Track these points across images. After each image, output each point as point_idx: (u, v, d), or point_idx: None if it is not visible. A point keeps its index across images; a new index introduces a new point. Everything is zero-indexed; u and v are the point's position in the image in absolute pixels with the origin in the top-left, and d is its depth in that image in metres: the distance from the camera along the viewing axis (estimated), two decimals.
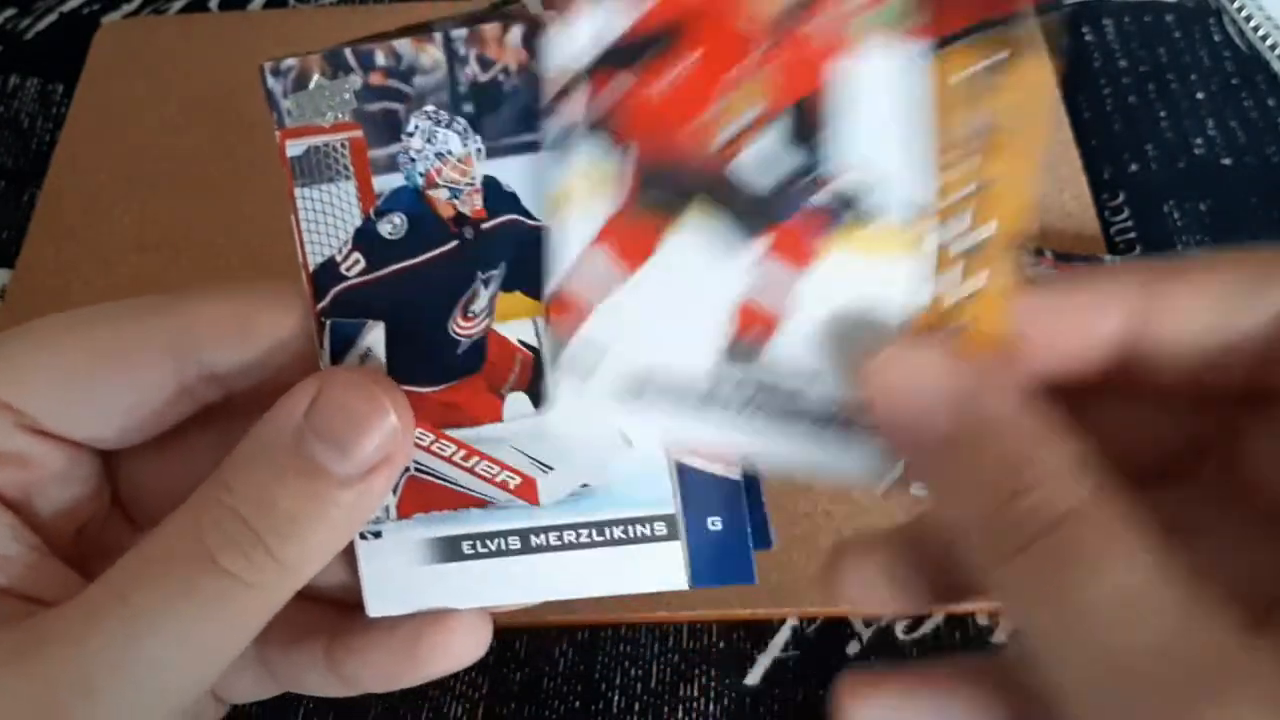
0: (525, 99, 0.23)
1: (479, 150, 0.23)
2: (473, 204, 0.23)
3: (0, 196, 0.57)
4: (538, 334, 0.24)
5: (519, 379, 0.24)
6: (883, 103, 0.21)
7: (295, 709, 0.42)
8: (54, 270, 0.54)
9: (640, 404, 0.24)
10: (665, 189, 0.22)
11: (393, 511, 0.25)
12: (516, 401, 0.24)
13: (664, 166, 0.22)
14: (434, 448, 0.25)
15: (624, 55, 0.22)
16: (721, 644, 0.43)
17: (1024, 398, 0.21)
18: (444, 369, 0.24)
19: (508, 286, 0.24)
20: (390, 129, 0.23)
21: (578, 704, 0.42)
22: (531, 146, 0.23)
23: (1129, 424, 0.24)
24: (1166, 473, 0.24)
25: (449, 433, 0.25)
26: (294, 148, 0.24)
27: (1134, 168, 0.56)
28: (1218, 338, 0.21)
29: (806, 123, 0.22)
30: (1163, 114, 0.57)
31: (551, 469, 0.25)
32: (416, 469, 0.25)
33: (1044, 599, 0.19)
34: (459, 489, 0.25)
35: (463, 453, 0.25)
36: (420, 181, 0.23)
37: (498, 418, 0.24)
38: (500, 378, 0.24)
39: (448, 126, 0.23)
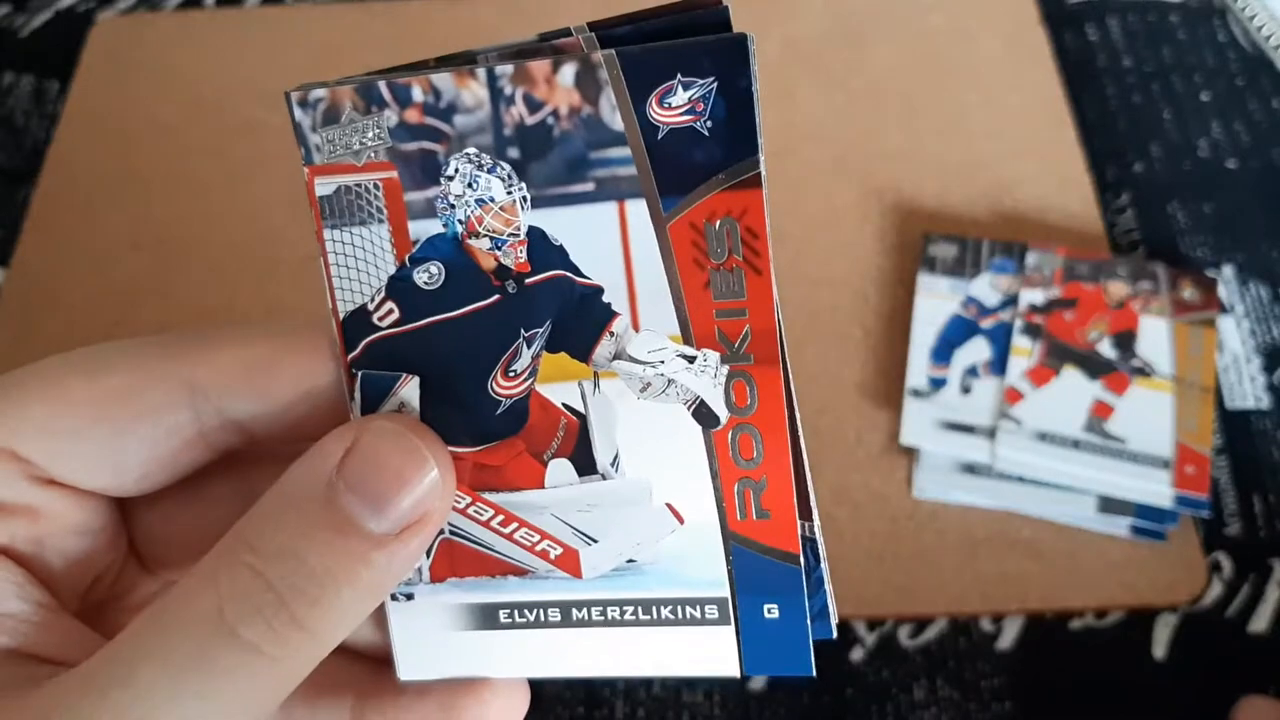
0: (577, 145, 0.21)
1: (524, 199, 0.21)
2: (516, 256, 0.22)
3: None
4: (584, 398, 0.22)
5: (563, 445, 0.23)
6: None
7: None
8: (48, 268, 0.53)
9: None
10: None
11: (425, 574, 0.24)
12: (560, 468, 0.23)
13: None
14: (471, 511, 0.23)
15: None
16: None
17: None
18: (482, 430, 0.23)
19: (552, 347, 0.22)
20: (428, 171, 0.22)
21: (581, 710, 0.41)
22: (582, 198, 0.21)
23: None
24: None
25: (487, 496, 0.23)
26: (323, 186, 0.22)
27: (1138, 168, 0.55)
28: None
29: None
30: (1167, 114, 0.57)
31: (596, 541, 0.23)
32: (451, 532, 0.23)
33: None
34: (496, 555, 0.23)
35: (501, 518, 0.23)
36: (460, 229, 0.22)
37: (539, 484, 0.23)
38: (543, 442, 0.23)
39: (490, 171, 0.21)
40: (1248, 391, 0.48)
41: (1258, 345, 0.50)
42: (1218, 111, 0.57)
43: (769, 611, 0.23)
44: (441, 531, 0.23)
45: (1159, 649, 0.43)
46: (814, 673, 0.23)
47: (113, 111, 0.58)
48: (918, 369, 0.48)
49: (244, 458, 0.25)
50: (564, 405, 0.23)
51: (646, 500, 0.23)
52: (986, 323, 0.49)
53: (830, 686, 0.42)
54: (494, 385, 0.23)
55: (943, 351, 0.48)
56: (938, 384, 0.47)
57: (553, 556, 0.23)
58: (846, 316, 0.50)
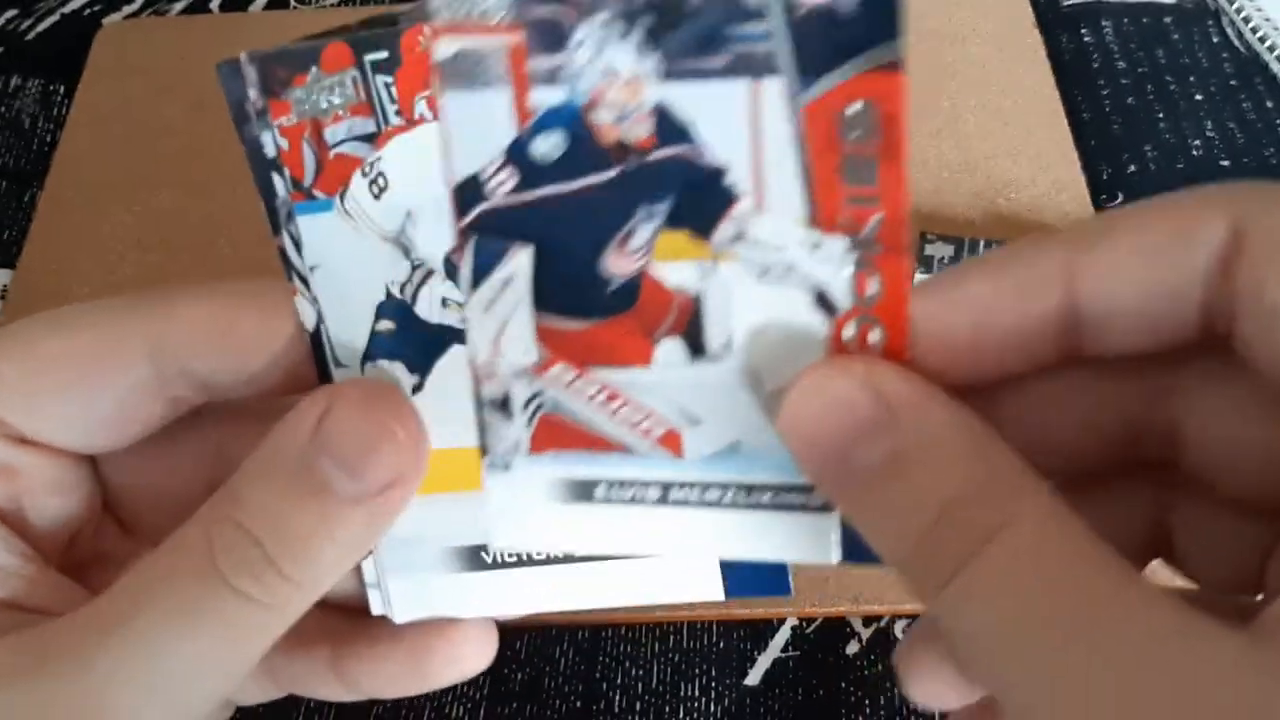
0: (712, 18, 0.20)
1: (653, 72, 0.20)
2: (639, 131, 0.21)
3: (1, 197, 0.58)
4: (701, 279, 0.22)
5: (675, 324, 0.22)
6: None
7: (296, 708, 0.42)
8: (55, 270, 0.54)
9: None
10: None
11: (525, 446, 0.23)
12: (670, 349, 0.22)
13: None
14: (576, 386, 0.23)
15: None
16: (721, 644, 0.43)
17: (944, 411, 0.20)
18: (592, 305, 0.22)
19: (672, 225, 0.22)
20: (554, 37, 0.20)
21: (579, 704, 0.42)
22: (714, 73, 0.20)
23: (1084, 401, 0.23)
24: (1128, 444, 0.23)
25: (595, 372, 0.23)
26: (444, 47, 0.21)
27: (1132, 169, 0.56)
28: (1156, 293, 0.21)
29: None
30: (1161, 115, 0.58)
31: (701, 422, 0.23)
32: (554, 407, 0.23)
33: (986, 620, 0.18)
34: (599, 432, 0.23)
35: (605, 394, 0.23)
36: (583, 100, 0.21)
37: (646, 362, 0.23)
38: (654, 321, 0.22)
39: (620, 40, 0.20)
40: None
41: None
42: (1212, 113, 0.57)
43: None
44: (540, 406, 0.23)
45: None
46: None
47: (119, 114, 0.59)
48: None
49: (210, 413, 0.26)
50: (678, 285, 0.22)
51: (758, 387, 0.22)
52: None
53: (825, 681, 0.42)
54: (607, 261, 0.22)
55: None
56: None
57: (656, 435, 0.23)
58: None
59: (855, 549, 0.23)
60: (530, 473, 0.24)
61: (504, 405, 0.23)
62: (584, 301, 0.22)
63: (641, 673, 0.42)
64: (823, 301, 0.21)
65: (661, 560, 0.24)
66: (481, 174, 0.22)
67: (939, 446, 0.20)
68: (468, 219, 0.22)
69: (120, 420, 0.25)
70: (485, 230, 0.22)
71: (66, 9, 0.65)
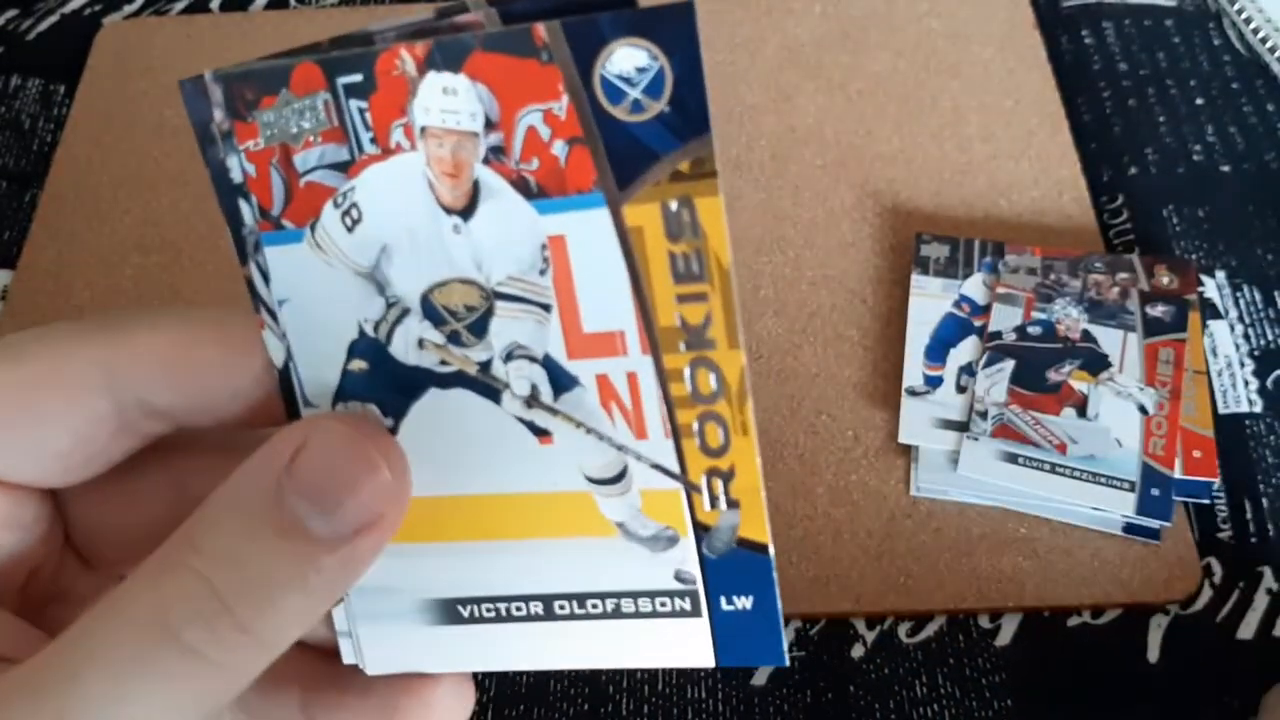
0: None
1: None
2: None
3: (2, 197, 0.57)
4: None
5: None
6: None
7: None
8: (55, 271, 0.54)
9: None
10: None
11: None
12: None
13: None
14: None
15: None
16: None
17: None
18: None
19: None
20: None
21: (585, 706, 0.42)
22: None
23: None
24: None
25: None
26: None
27: (1133, 171, 0.56)
28: None
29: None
30: (1162, 118, 0.58)
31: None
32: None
33: None
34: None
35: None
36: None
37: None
38: None
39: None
40: (1241, 395, 0.49)
41: (1251, 349, 0.50)
42: (1212, 115, 0.58)
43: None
44: None
45: (1153, 650, 0.43)
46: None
47: (119, 114, 0.59)
48: (913, 368, 0.48)
49: (175, 445, 0.24)
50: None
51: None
52: (979, 321, 0.49)
53: (833, 683, 0.42)
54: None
55: (937, 350, 0.49)
56: (934, 382, 0.48)
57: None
58: (844, 317, 0.51)
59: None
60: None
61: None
62: None
63: (647, 675, 0.43)
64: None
65: (649, 621, 0.23)
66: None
67: None
68: None
69: (77, 453, 0.23)
70: None
71: (66, 9, 0.64)
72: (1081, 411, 0.46)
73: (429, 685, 0.24)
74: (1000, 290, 0.50)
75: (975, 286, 0.50)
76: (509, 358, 0.22)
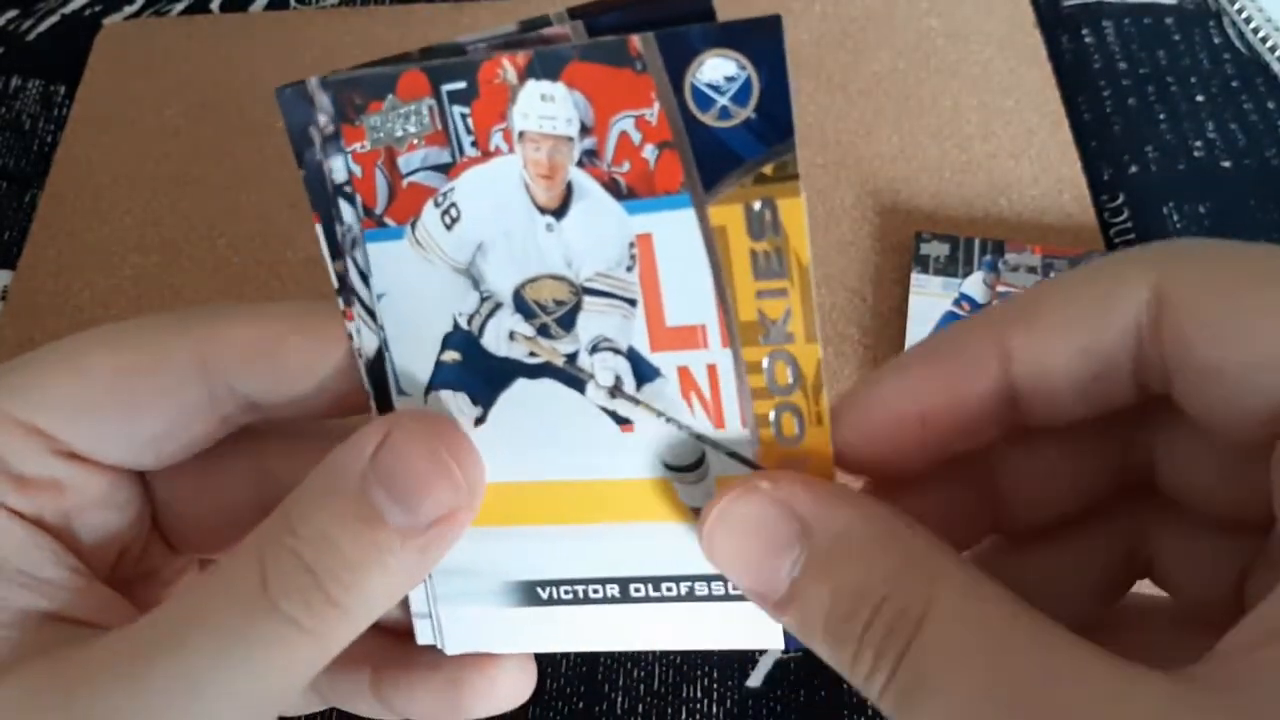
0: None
1: None
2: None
3: (2, 198, 0.57)
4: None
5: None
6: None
7: None
8: (56, 271, 0.54)
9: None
10: None
11: None
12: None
13: None
14: None
15: None
16: None
17: (851, 510, 0.21)
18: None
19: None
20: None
21: (581, 705, 0.42)
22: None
23: (1038, 471, 0.24)
24: (1093, 509, 0.24)
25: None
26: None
27: (1134, 169, 0.56)
28: (1087, 364, 0.21)
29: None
30: (1162, 116, 0.58)
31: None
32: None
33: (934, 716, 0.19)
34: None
35: None
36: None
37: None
38: None
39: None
40: None
41: None
42: (1212, 113, 0.57)
43: None
44: None
45: None
46: None
47: (119, 115, 0.59)
48: None
49: (259, 433, 0.26)
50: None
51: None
52: None
53: (827, 681, 0.42)
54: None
55: None
56: None
57: None
58: (844, 316, 0.51)
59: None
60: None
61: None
62: None
63: (644, 674, 0.42)
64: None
65: (721, 605, 0.24)
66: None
67: (850, 545, 0.20)
68: None
69: (169, 438, 0.25)
70: None
71: (66, 9, 0.64)
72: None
73: (494, 663, 0.26)
74: (1000, 289, 0.50)
75: (975, 285, 0.50)
76: (595, 349, 0.23)
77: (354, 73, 0.22)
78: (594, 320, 0.23)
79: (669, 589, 0.24)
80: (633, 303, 0.22)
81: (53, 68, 0.62)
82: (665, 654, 0.43)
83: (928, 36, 0.61)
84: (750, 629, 0.24)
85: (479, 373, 0.23)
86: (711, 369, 0.22)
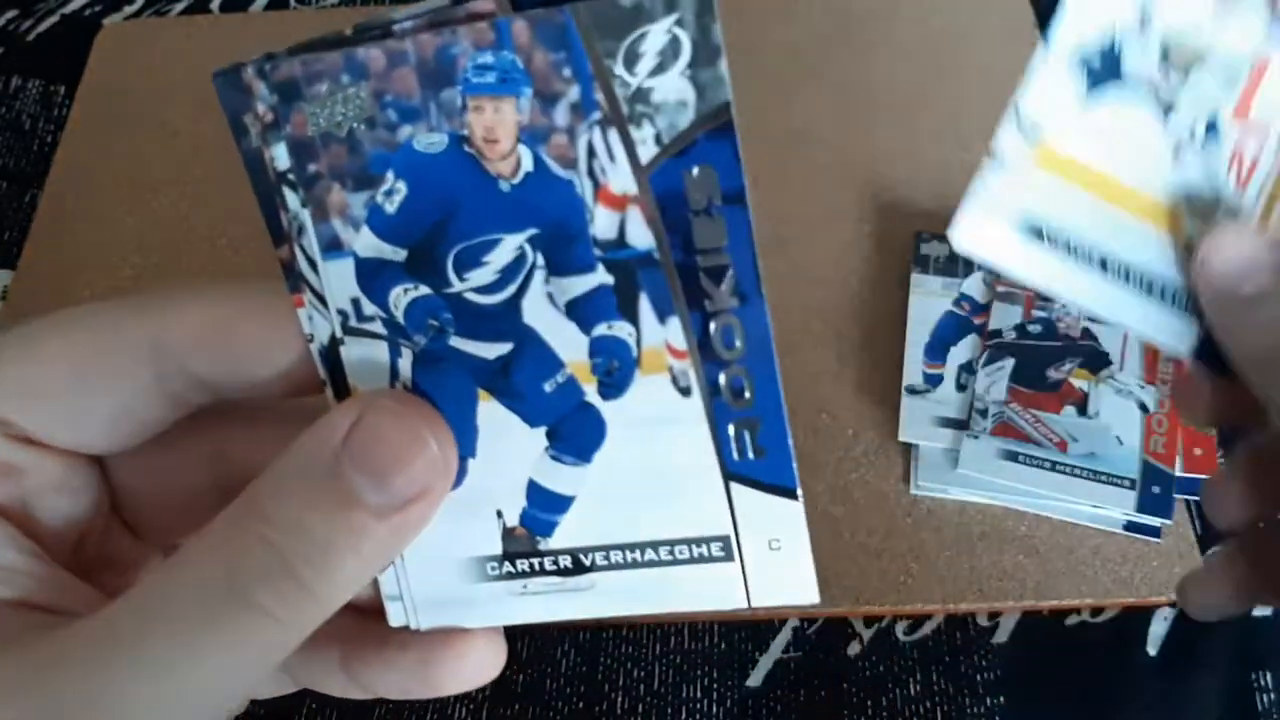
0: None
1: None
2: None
3: (2, 197, 0.57)
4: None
5: None
6: None
7: (299, 707, 0.42)
8: (56, 271, 0.54)
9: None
10: None
11: None
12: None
13: None
14: None
15: None
16: (723, 645, 0.43)
17: None
18: None
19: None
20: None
21: (580, 705, 0.42)
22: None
23: None
24: None
25: None
26: None
27: None
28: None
29: None
30: None
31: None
32: None
33: None
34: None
35: None
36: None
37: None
38: None
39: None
40: None
41: None
42: None
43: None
44: None
45: (1152, 646, 0.43)
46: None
47: (119, 115, 0.59)
48: (913, 366, 0.48)
49: (215, 415, 0.26)
50: None
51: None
52: (979, 319, 0.49)
53: (827, 681, 0.42)
54: None
55: (937, 349, 0.49)
56: (934, 381, 0.48)
57: None
58: (844, 316, 0.51)
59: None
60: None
61: None
62: None
63: (643, 674, 0.42)
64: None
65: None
66: None
67: None
68: None
69: (122, 420, 0.25)
70: None
71: (66, 9, 0.65)
72: (1082, 409, 0.46)
73: (464, 639, 0.26)
74: (1000, 288, 0.50)
75: (975, 285, 0.50)
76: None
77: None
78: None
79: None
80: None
81: (53, 68, 0.62)
82: (665, 654, 0.43)
83: (928, 37, 0.61)
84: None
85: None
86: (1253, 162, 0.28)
